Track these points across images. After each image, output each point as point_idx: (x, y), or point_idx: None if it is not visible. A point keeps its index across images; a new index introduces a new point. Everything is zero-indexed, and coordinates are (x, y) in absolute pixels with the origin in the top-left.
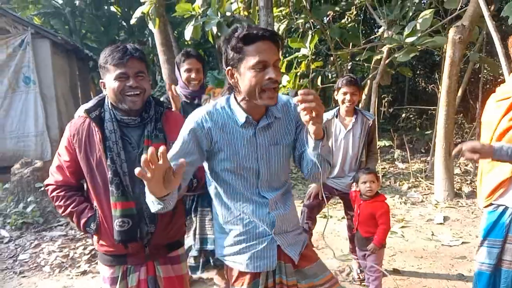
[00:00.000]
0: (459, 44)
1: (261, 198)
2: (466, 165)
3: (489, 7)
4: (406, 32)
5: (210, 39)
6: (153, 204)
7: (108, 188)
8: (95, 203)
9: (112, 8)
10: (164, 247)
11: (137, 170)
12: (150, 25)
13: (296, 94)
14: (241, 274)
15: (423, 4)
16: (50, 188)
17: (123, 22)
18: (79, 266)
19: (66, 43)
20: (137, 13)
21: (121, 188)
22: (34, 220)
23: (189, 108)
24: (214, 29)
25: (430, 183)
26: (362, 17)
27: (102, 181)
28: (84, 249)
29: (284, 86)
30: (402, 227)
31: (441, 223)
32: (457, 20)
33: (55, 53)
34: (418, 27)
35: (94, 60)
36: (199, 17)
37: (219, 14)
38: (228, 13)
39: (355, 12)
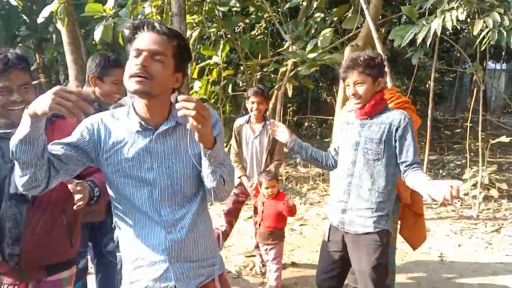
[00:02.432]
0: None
1: (158, 217)
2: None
3: (380, 29)
4: (308, 48)
5: (120, 40)
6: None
7: None
8: None
9: (12, 1)
10: (42, 268)
11: None
12: (59, 25)
13: (177, 100)
14: None
15: (324, 22)
16: None
17: (24, 17)
18: None
19: None
20: (45, 12)
21: None
22: None
23: None
24: (126, 31)
25: (326, 185)
26: (270, 30)
27: None
28: None
29: (196, 92)
30: (301, 225)
31: None
32: (354, 38)
33: None
34: (319, 44)
35: None
36: (110, 18)
37: (131, 16)
38: (140, 16)
39: (264, 25)
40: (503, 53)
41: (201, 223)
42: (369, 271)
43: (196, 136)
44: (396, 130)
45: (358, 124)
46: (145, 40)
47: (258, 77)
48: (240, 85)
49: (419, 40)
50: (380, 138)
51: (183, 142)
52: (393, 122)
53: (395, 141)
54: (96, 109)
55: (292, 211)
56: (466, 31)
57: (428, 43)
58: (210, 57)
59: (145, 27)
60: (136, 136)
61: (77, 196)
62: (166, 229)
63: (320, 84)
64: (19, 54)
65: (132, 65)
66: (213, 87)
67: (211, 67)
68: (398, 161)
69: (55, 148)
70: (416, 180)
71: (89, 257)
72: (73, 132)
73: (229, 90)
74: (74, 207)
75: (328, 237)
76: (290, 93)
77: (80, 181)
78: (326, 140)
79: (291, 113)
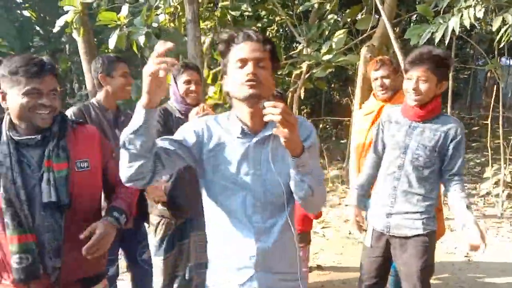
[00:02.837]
0: (370, 62)
1: (250, 224)
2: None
3: (395, 29)
4: (323, 50)
5: (135, 48)
6: (133, 138)
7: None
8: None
9: (26, 13)
10: (79, 282)
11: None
12: (74, 34)
13: (264, 106)
14: None
15: (337, 24)
16: None
17: (37, 28)
18: None
19: None
20: (61, 22)
21: (17, 219)
22: None
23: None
24: (141, 39)
25: (346, 187)
26: (284, 33)
27: None
28: None
29: (210, 97)
30: (323, 227)
31: None
32: (368, 39)
33: None
34: (333, 45)
35: None
36: (124, 26)
37: (146, 24)
38: (155, 24)
39: (275, 28)
40: None
41: (289, 235)
42: (418, 273)
43: (282, 142)
44: (451, 140)
45: (407, 125)
46: (246, 49)
47: None
48: None
49: (436, 39)
50: (434, 146)
51: (280, 151)
52: (450, 131)
53: (447, 150)
54: (111, 117)
55: (317, 214)
56: (478, 27)
57: (446, 42)
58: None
59: (240, 38)
60: (237, 141)
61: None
62: (255, 236)
63: (333, 85)
64: (51, 61)
65: (241, 74)
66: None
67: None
68: (442, 167)
69: (165, 144)
70: (455, 202)
71: (119, 263)
72: (178, 133)
73: None
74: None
75: (371, 243)
76: (302, 95)
77: (104, 225)
78: (342, 141)
79: (305, 115)
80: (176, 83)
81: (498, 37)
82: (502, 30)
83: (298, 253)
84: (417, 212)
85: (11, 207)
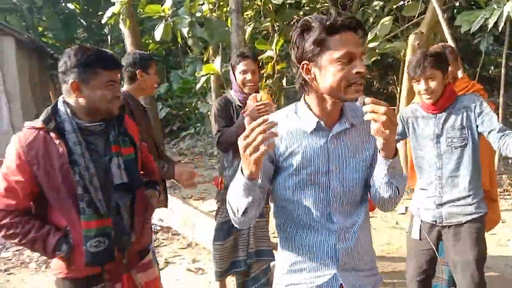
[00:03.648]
0: (419, 49)
1: (330, 224)
2: None
3: (443, 14)
4: (368, 38)
5: (179, 39)
6: (243, 198)
7: (77, 205)
8: (65, 223)
9: (70, 6)
10: (138, 254)
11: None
12: (121, 25)
13: (364, 103)
14: None
15: (383, 11)
16: None
17: (81, 20)
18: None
19: (31, 41)
20: (108, 13)
21: (93, 205)
22: None
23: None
24: (184, 30)
25: None
26: None
27: (71, 198)
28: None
29: None
30: (370, 217)
31: (403, 213)
32: (415, 26)
33: (18, 50)
34: (378, 33)
35: (53, 58)
36: (169, 18)
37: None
38: (198, 14)
39: None
40: None
41: (367, 231)
42: (475, 259)
43: (379, 143)
44: (474, 111)
45: (432, 117)
46: (351, 42)
47: None
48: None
49: (490, 25)
50: (462, 124)
51: (355, 145)
52: (469, 105)
53: (476, 121)
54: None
55: (371, 206)
56: None
57: (500, 28)
58: (264, 51)
59: (343, 26)
60: (311, 137)
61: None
62: (338, 236)
63: (373, 73)
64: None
65: (348, 71)
66: (267, 80)
67: (265, 61)
68: (487, 135)
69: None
70: None
71: None
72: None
73: (284, 84)
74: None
75: (420, 235)
76: None
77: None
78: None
79: None
80: (234, 73)
81: None
82: None
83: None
84: (467, 196)
85: (87, 193)
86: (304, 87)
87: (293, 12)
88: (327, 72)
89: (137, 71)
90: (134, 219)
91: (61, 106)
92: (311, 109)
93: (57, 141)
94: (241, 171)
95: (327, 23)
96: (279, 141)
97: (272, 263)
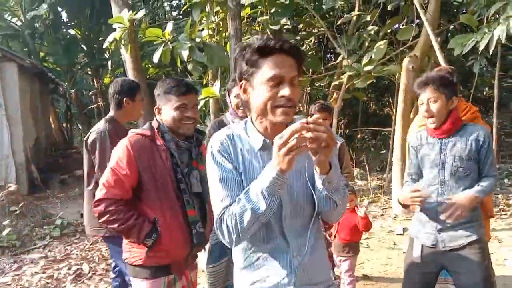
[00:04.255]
0: (412, 73)
1: (284, 241)
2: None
3: (436, 38)
4: (364, 61)
5: (179, 63)
6: (270, 199)
7: (170, 199)
8: (155, 215)
9: (71, 31)
10: (194, 256)
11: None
12: (122, 50)
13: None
14: None
15: (377, 35)
16: (106, 203)
17: (81, 45)
18: (65, 286)
19: (33, 67)
20: (110, 38)
21: (191, 198)
22: (11, 243)
23: None
24: (184, 54)
25: (388, 198)
26: (323, 45)
27: (165, 194)
28: (69, 269)
29: None
30: (367, 238)
31: (401, 234)
32: (409, 49)
33: (20, 75)
34: (373, 56)
35: (54, 83)
36: (169, 42)
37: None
38: (198, 39)
39: (313, 41)
40: None
41: (320, 245)
42: (484, 279)
43: (315, 160)
44: (481, 146)
45: (437, 142)
46: (282, 65)
47: (308, 91)
48: None
49: (481, 48)
50: (469, 155)
51: (302, 163)
52: (479, 137)
53: (479, 155)
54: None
55: (367, 225)
56: None
57: (490, 51)
58: None
59: (273, 48)
60: (260, 155)
61: None
62: (292, 252)
63: (369, 95)
64: (193, 84)
65: (274, 94)
66: None
67: None
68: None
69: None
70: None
71: None
72: (222, 166)
73: None
74: None
75: (421, 258)
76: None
77: None
78: (382, 152)
79: (342, 126)
80: (229, 96)
81: None
82: None
83: (328, 259)
84: (467, 222)
85: (187, 188)
86: (246, 107)
87: (290, 36)
88: (257, 93)
89: (124, 99)
90: (207, 222)
91: (162, 123)
92: (256, 128)
93: (162, 147)
94: (271, 168)
95: (259, 44)
96: (234, 155)
97: None
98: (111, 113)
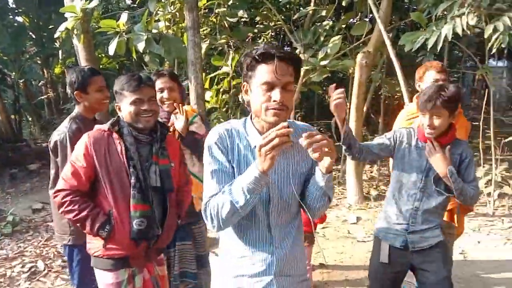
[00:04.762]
0: (366, 68)
1: (268, 234)
2: (371, 172)
3: (388, 35)
4: (320, 55)
5: (134, 55)
6: (249, 196)
7: (125, 192)
8: (110, 208)
9: (19, 18)
10: (157, 250)
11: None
12: (75, 41)
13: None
14: None
15: (332, 30)
16: (63, 193)
17: (30, 33)
18: (19, 284)
19: None
20: (61, 28)
21: (142, 193)
22: None
23: None
24: (140, 45)
25: (342, 189)
26: (280, 39)
27: (121, 187)
28: (22, 267)
29: (207, 101)
30: (323, 228)
31: (354, 223)
32: (362, 45)
33: None
34: (329, 51)
35: (1, 72)
36: (124, 33)
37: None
38: (154, 31)
39: (270, 34)
40: (505, 51)
41: (299, 239)
42: (448, 277)
43: (325, 162)
44: (463, 161)
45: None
46: (274, 72)
47: None
48: None
49: (429, 45)
50: (453, 167)
51: (295, 161)
52: (463, 153)
53: (460, 168)
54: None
55: (322, 217)
56: (469, 32)
57: (438, 48)
58: (220, 67)
59: (268, 56)
60: (254, 153)
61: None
62: (274, 244)
63: (324, 88)
64: (148, 75)
65: (266, 98)
66: (223, 96)
67: (221, 77)
68: None
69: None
70: None
71: None
72: (216, 158)
73: (239, 99)
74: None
75: (389, 259)
76: (297, 99)
77: None
78: (337, 143)
79: (299, 118)
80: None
81: (490, 44)
82: (494, 37)
83: (305, 255)
84: (436, 225)
85: (138, 182)
86: (248, 105)
87: (247, 29)
88: (253, 95)
89: (74, 93)
90: (166, 217)
91: (122, 118)
92: (255, 127)
93: (118, 141)
94: (254, 168)
95: (258, 52)
96: (231, 150)
97: None
98: (76, 108)
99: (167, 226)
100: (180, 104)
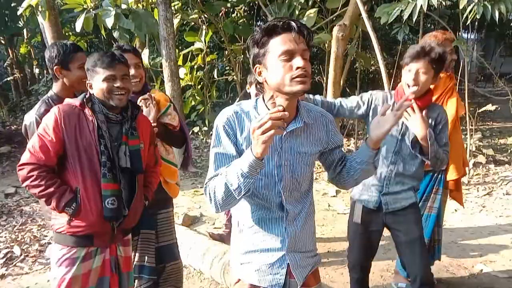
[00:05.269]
0: (342, 41)
1: (281, 211)
2: (348, 145)
3: (364, 7)
4: None
5: (103, 31)
6: (242, 180)
7: (94, 170)
8: (77, 185)
9: None
10: (122, 231)
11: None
12: (40, 18)
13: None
14: (245, 285)
15: (307, 3)
16: (29, 167)
17: None
18: None
19: None
20: (24, 4)
21: (112, 172)
22: None
23: None
24: (109, 21)
25: (318, 164)
26: (254, 13)
27: (89, 164)
28: None
29: (182, 79)
30: None
31: (334, 196)
32: (337, 18)
33: None
34: None
35: None
36: (91, 9)
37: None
38: (124, 6)
39: (245, 8)
40: (476, 24)
41: (311, 217)
42: (420, 236)
43: (376, 136)
44: (437, 125)
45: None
46: (292, 41)
47: (241, 60)
48: (224, 69)
49: (405, 17)
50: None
51: (307, 142)
52: (438, 117)
53: (435, 132)
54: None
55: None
56: (443, 2)
57: (414, 19)
58: (193, 43)
59: (282, 27)
60: None
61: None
62: (287, 222)
63: None
64: (121, 53)
65: (288, 68)
66: (197, 72)
67: (195, 53)
68: None
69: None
70: None
71: None
72: (220, 141)
73: (215, 75)
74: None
75: (362, 220)
76: None
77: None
78: None
79: None
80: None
81: (464, 15)
82: (468, 8)
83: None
84: (411, 187)
85: (109, 161)
86: (261, 89)
87: (220, 3)
88: (272, 70)
89: (54, 68)
90: (134, 198)
91: (93, 95)
92: (267, 108)
93: (91, 117)
94: (249, 152)
95: (266, 26)
96: (240, 131)
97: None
98: (53, 87)
99: (134, 207)
100: (152, 94)
